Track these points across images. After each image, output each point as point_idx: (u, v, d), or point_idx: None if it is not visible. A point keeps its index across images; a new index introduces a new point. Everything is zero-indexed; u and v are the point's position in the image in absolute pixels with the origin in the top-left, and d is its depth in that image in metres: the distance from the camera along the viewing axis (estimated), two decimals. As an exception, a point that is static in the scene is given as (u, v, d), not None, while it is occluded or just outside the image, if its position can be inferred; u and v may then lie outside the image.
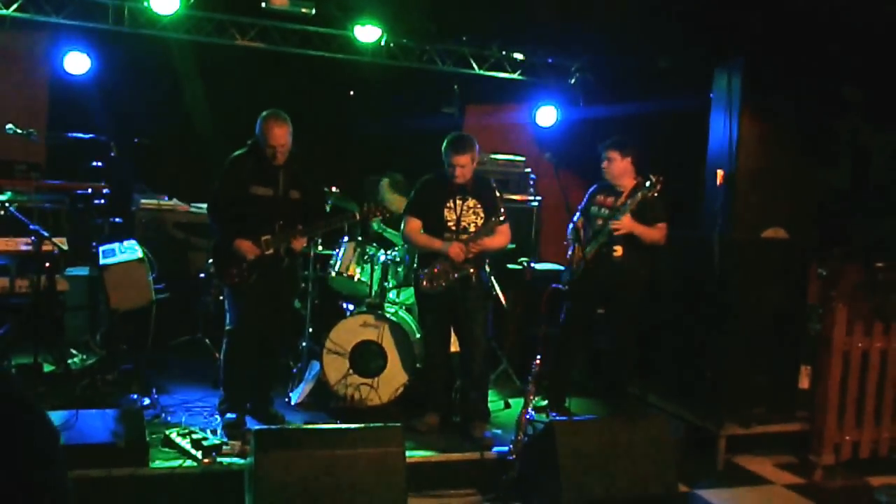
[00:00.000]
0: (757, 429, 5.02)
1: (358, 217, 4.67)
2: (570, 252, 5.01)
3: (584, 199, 5.14)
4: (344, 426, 3.97)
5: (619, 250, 4.86)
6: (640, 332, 5.21)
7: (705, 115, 5.81)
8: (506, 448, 4.31)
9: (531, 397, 4.29)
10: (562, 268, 5.48)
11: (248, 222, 4.38)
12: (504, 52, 7.25)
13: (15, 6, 6.15)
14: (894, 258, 5.71)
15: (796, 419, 5.13)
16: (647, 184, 4.72)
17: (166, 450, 4.08)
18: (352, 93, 7.30)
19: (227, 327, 4.54)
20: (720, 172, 5.48)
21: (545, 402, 5.05)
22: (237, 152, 4.50)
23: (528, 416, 4.23)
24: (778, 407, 5.13)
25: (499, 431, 4.72)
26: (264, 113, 4.41)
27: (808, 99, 5.51)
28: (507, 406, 5.28)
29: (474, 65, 7.24)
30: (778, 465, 5.01)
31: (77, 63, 6.38)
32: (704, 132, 5.81)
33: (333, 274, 5.35)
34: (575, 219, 5.12)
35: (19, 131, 5.23)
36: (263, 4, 6.06)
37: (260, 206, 4.39)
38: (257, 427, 4.15)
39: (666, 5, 5.32)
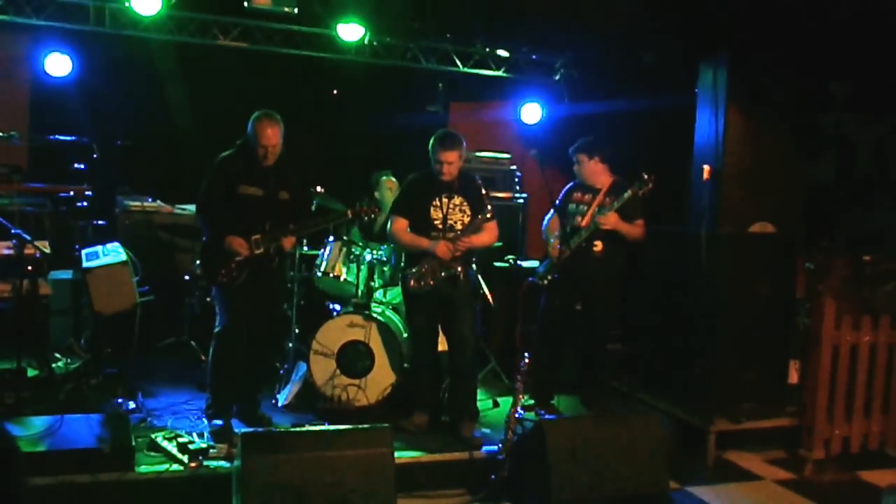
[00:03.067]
0: (746, 424, 5.02)
1: (350, 216, 4.64)
2: (549, 247, 5.02)
3: (560, 197, 5.19)
4: (332, 427, 3.94)
5: (599, 245, 4.92)
6: (627, 329, 5.22)
7: (691, 111, 5.81)
8: (495, 447, 4.30)
9: (520, 396, 4.27)
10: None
11: (237, 222, 4.35)
12: (488, 50, 7.23)
13: (-6, 8, 6.08)
14: (881, 251, 5.73)
15: (786, 414, 5.14)
16: (638, 182, 4.76)
17: (152, 454, 4.04)
18: (335, 92, 7.27)
19: (216, 329, 4.50)
20: (707, 168, 5.49)
21: (533, 401, 5.05)
22: (226, 152, 4.47)
23: (517, 415, 4.22)
24: (767, 402, 5.14)
25: (488, 431, 4.71)
26: (256, 113, 4.39)
27: (793, 93, 5.52)
28: (496, 405, 5.26)
29: (458, 62, 7.22)
30: (768, 460, 5.01)
31: (58, 65, 6.32)
32: (690, 127, 5.81)
33: (319, 274, 5.33)
34: (549, 217, 5.16)
35: (1, 134, 5.16)
36: (246, 4, 6.00)
37: (249, 206, 4.37)
38: (244, 430, 4.11)
39: (649, 0, 5.31)
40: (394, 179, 5.72)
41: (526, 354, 4.33)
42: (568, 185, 5.21)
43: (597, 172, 5.02)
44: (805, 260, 5.40)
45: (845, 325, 5.03)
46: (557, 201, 5.15)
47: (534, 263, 6.16)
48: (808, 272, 5.39)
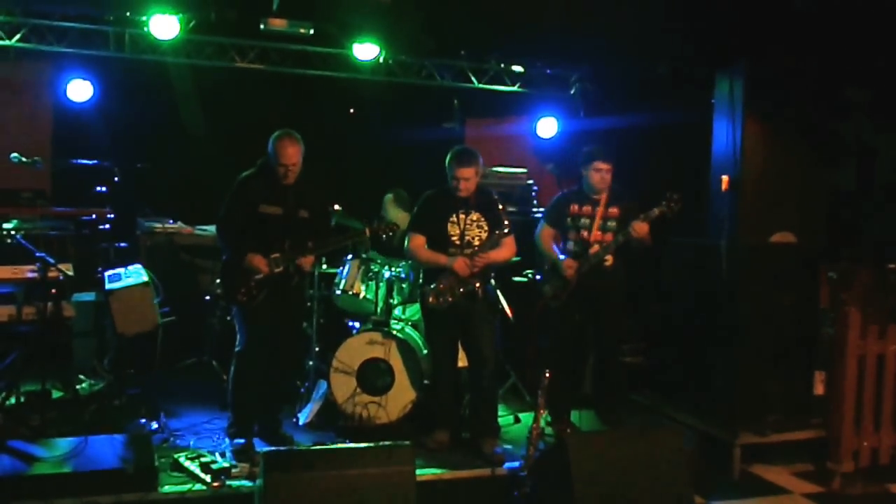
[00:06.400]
0: (772, 437, 4.95)
1: (368, 234, 4.66)
2: (559, 265, 4.87)
3: (552, 207, 5.03)
4: (353, 446, 3.95)
5: (609, 259, 4.84)
6: (649, 341, 5.16)
7: (708, 121, 5.78)
8: (517, 464, 4.27)
9: (541, 411, 4.24)
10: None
11: (257, 241, 4.39)
12: (503, 65, 7.26)
13: (18, 36, 6.22)
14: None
15: (812, 426, 5.06)
16: (666, 201, 4.66)
17: (175, 474, 4.06)
18: (352, 110, 7.33)
19: (237, 349, 4.53)
20: (725, 178, 5.45)
21: (550, 418, 5.00)
22: (246, 172, 4.52)
23: (538, 431, 4.19)
24: (793, 414, 5.06)
25: (509, 447, 4.68)
26: (277, 133, 4.44)
27: (811, 100, 5.48)
28: (517, 421, 5.23)
29: (473, 79, 7.25)
30: (795, 473, 4.93)
31: (80, 90, 6.45)
32: (707, 138, 5.79)
33: (338, 292, 5.35)
34: (539, 228, 5.05)
35: (24, 160, 5.25)
36: (262, 26, 6.10)
37: (269, 224, 4.41)
38: (266, 449, 4.11)
39: (664, 11, 5.31)
40: (391, 196, 5.73)
41: (546, 370, 4.30)
42: (559, 195, 5.05)
43: (610, 180, 4.89)
44: (828, 269, 5.32)
45: (871, 334, 4.96)
46: (548, 211, 5.03)
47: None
48: (832, 281, 5.31)
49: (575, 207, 4.92)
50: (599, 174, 4.83)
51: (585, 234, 4.86)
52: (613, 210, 4.85)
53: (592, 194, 4.90)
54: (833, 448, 4.91)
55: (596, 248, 4.81)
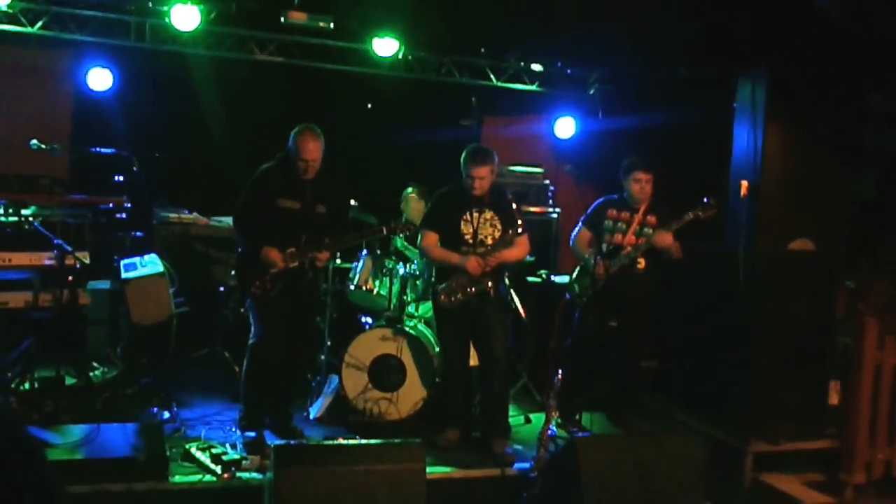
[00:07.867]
0: (785, 446, 4.92)
1: (385, 232, 4.66)
2: (590, 263, 4.93)
3: (591, 212, 5.08)
4: (364, 442, 3.95)
5: (642, 263, 4.88)
6: (663, 346, 5.14)
7: (728, 125, 5.73)
8: (527, 464, 4.25)
9: (552, 413, 4.22)
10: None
11: (273, 235, 4.40)
12: (522, 64, 7.23)
13: (39, 24, 6.24)
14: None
15: (826, 436, 5.02)
16: (702, 206, 4.73)
17: (186, 464, 4.08)
18: (369, 105, 7.32)
19: (251, 341, 4.54)
20: (745, 183, 5.41)
21: (560, 418, 4.98)
22: (265, 165, 4.53)
23: (549, 433, 4.17)
24: (806, 423, 5.03)
25: (520, 447, 4.67)
26: (298, 127, 4.44)
27: (833, 107, 5.43)
28: (528, 421, 5.21)
29: (492, 77, 7.22)
30: (807, 483, 4.88)
31: (100, 79, 6.46)
32: (726, 142, 5.74)
33: (352, 287, 5.35)
34: (577, 230, 5.10)
35: (43, 147, 5.28)
36: (282, 19, 6.11)
37: (286, 218, 4.42)
38: (277, 442, 4.13)
39: (687, 13, 5.27)
40: (410, 191, 5.71)
41: (560, 371, 4.29)
42: (600, 200, 5.13)
43: (650, 190, 4.95)
44: (845, 278, 5.27)
45: (888, 345, 4.91)
46: (588, 215, 5.08)
47: (567, 279, 6.11)
48: (849, 291, 5.26)
49: (613, 213, 5.00)
50: (639, 185, 4.91)
51: (620, 237, 4.93)
52: (651, 218, 4.91)
53: (633, 203, 4.97)
54: (846, 459, 4.87)
55: (628, 249, 4.84)
